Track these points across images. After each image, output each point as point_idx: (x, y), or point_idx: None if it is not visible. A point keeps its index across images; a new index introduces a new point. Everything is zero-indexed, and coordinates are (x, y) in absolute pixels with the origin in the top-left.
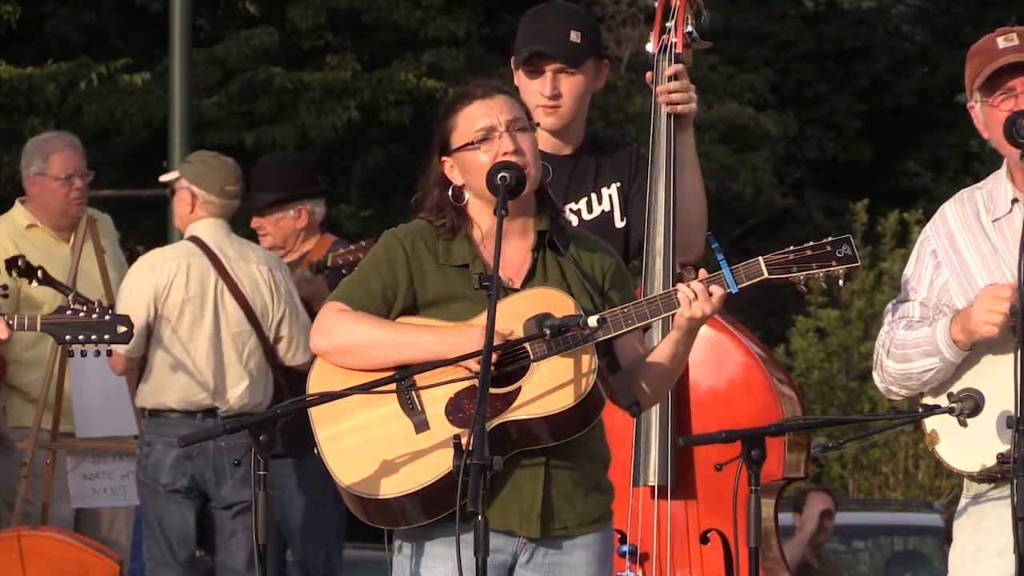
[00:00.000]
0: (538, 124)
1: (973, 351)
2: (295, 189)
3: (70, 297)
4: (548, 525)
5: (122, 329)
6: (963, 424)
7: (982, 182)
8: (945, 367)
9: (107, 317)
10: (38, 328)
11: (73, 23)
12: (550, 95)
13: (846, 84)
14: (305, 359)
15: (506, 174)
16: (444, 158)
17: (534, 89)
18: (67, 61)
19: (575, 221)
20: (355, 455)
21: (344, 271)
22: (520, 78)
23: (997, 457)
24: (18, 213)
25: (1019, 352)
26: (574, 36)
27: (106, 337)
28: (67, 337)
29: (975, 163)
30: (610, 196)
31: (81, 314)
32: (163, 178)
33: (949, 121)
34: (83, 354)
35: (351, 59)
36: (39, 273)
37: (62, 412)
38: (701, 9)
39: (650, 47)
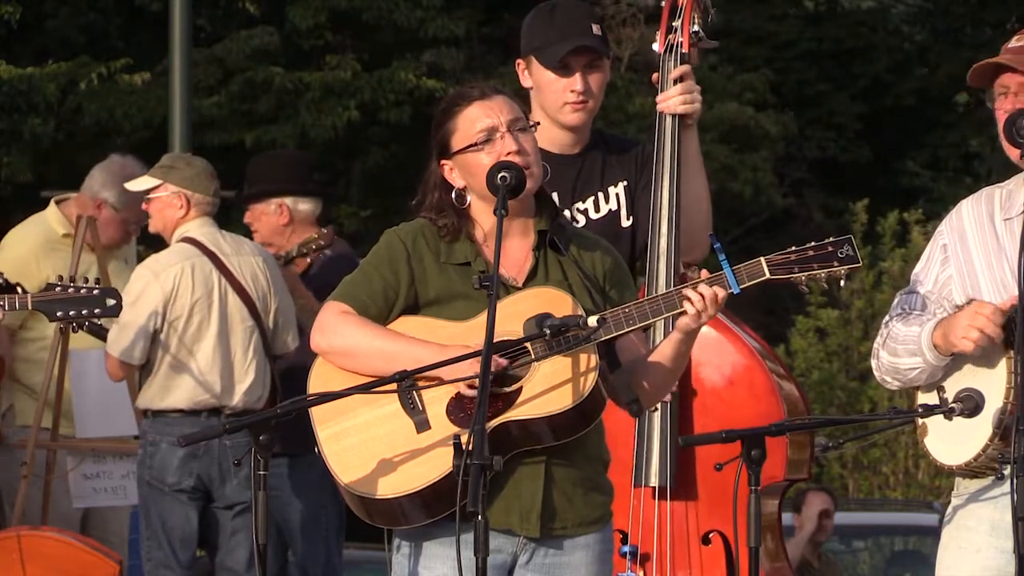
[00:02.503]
0: (537, 124)
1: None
2: (273, 184)
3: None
4: (548, 525)
5: (111, 302)
6: (948, 418)
7: (1007, 181)
8: (929, 368)
9: (95, 292)
10: (29, 306)
11: (73, 23)
12: (583, 90)
13: (846, 84)
14: (296, 344)
15: (506, 174)
16: (444, 161)
17: (561, 87)
18: (67, 61)
19: (582, 221)
20: (356, 454)
21: (310, 258)
22: (542, 76)
23: (997, 456)
24: (54, 219)
25: (1017, 352)
26: (596, 29)
27: (96, 311)
28: (59, 313)
29: (975, 163)
30: (617, 195)
31: (70, 290)
32: (137, 187)
33: (949, 121)
34: (78, 328)
35: (351, 59)
36: (18, 289)
37: (62, 412)
38: (708, 9)
39: (656, 46)
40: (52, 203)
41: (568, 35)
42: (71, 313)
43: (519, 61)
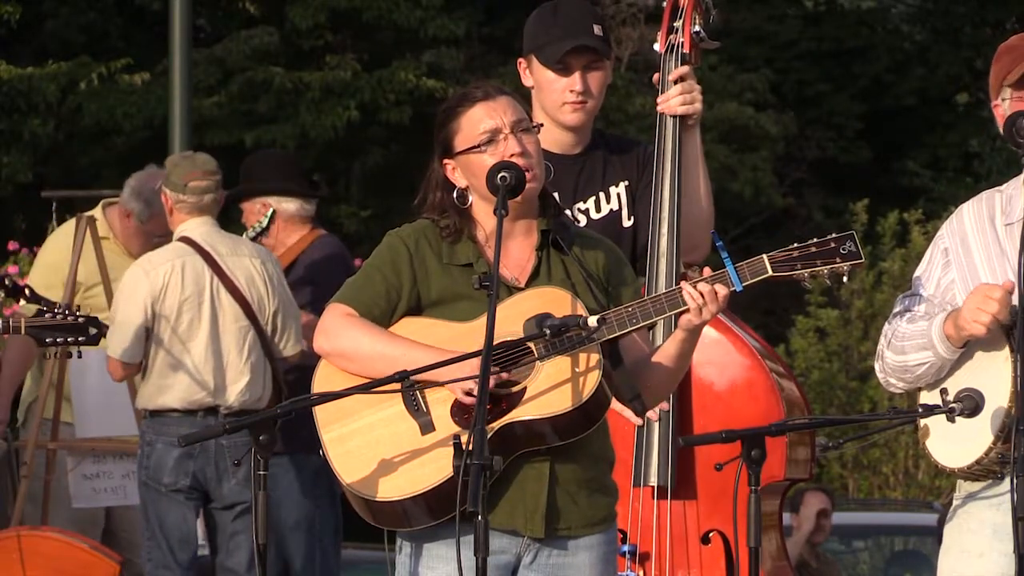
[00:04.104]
0: (541, 125)
1: (968, 348)
2: (258, 184)
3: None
4: (552, 525)
5: (92, 331)
6: (951, 420)
7: (1005, 184)
8: (939, 362)
9: (81, 320)
10: (22, 331)
11: (73, 23)
12: (583, 90)
13: (846, 84)
14: (296, 350)
15: (506, 174)
16: (447, 161)
17: (561, 87)
18: (67, 61)
19: (583, 221)
20: (361, 457)
21: (260, 241)
22: (542, 76)
23: (997, 456)
24: (97, 221)
25: (1018, 352)
26: (597, 30)
27: (80, 339)
28: (47, 339)
29: (975, 163)
30: (618, 195)
31: (59, 317)
32: None
33: (949, 121)
34: (80, 355)
35: (351, 59)
36: (26, 291)
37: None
38: (710, 9)
39: (657, 47)
40: (101, 205)
41: (568, 34)
42: (58, 340)
43: (520, 60)
